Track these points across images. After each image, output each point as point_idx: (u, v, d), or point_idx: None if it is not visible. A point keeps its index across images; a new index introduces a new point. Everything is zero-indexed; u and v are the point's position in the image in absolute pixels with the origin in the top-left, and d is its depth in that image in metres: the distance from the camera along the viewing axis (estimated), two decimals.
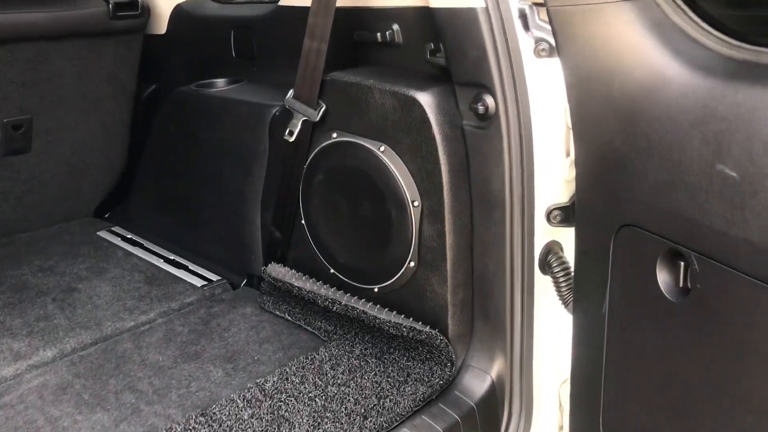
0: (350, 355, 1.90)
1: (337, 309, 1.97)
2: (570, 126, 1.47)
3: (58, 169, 2.67)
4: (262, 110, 2.15)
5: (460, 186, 1.77)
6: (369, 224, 1.92)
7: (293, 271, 2.15)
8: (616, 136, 1.37)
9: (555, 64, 1.70)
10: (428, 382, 1.80)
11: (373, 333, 1.95)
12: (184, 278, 2.34)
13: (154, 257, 2.47)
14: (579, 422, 1.61)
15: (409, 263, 1.86)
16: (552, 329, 1.86)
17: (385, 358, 1.88)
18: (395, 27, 1.92)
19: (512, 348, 1.81)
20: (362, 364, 1.87)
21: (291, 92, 2.00)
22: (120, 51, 2.62)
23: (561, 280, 1.79)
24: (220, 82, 2.48)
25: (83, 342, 1.98)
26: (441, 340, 1.82)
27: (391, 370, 1.84)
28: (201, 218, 2.42)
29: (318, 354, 1.90)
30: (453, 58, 1.71)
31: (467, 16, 1.65)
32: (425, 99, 1.74)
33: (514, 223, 1.71)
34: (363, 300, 1.98)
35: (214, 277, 2.36)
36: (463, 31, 1.66)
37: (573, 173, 1.76)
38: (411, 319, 1.88)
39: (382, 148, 1.84)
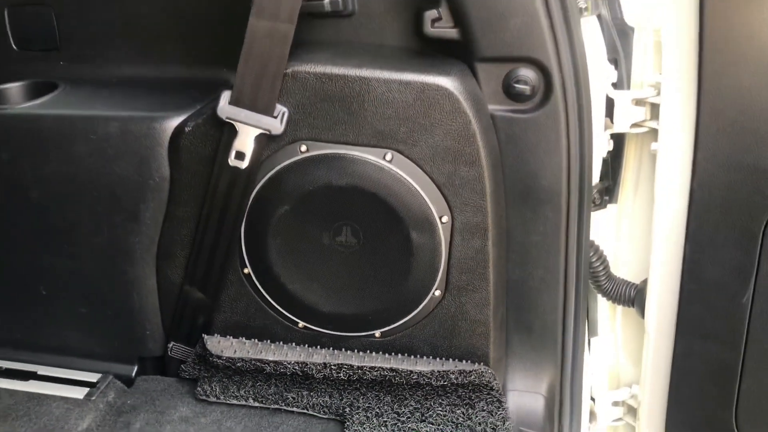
0: (387, 427, 1.46)
1: (342, 375, 1.49)
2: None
3: None
4: (151, 125, 1.45)
5: (499, 187, 1.42)
6: (373, 256, 1.45)
7: (241, 339, 1.57)
8: None
9: (587, 24, 1.44)
10: (496, 430, 1.47)
11: (388, 389, 1.53)
12: (49, 392, 1.55)
13: None
14: (692, 419, 1.47)
15: (433, 293, 1.47)
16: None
17: (431, 420, 1.48)
18: None
19: (564, 360, 1.57)
20: None
21: (225, 97, 1.38)
22: None
23: (600, 269, 1.59)
24: (14, 91, 1.63)
25: None
26: (490, 374, 1.49)
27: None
28: (40, 296, 1.61)
29: None
30: (484, 28, 1.33)
31: None
32: (455, 86, 1.33)
33: (570, 218, 1.44)
34: (364, 351, 1.54)
35: (90, 377, 1.61)
36: None
37: (609, 148, 1.55)
38: (451, 360, 1.51)
39: (388, 157, 1.38)
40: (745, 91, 1.21)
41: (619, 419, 1.75)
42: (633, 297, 1.57)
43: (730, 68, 1.21)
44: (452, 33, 1.37)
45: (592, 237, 1.64)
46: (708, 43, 1.20)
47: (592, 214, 1.59)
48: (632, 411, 1.71)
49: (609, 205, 1.61)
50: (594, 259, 1.57)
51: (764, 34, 1.17)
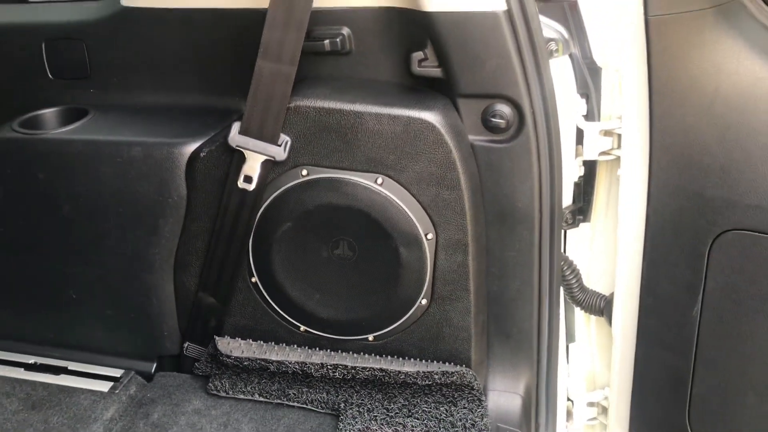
0: (377, 422, 1.63)
1: (338, 375, 1.67)
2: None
3: None
4: (170, 150, 1.64)
5: (478, 208, 1.59)
6: (366, 268, 1.63)
7: (248, 341, 1.75)
8: (713, 143, 1.35)
9: (559, 63, 1.60)
10: (475, 425, 1.63)
11: (379, 387, 1.70)
12: (78, 385, 1.75)
13: (7, 368, 1.79)
14: (652, 419, 1.62)
15: (420, 301, 1.64)
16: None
17: (417, 416, 1.65)
18: (346, 32, 1.60)
19: (539, 363, 1.73)
20: (400, 430, 1.62)
21: (235, 127, 1.56)
22: None
23: (573, 282, 1.75)
24: (50, 116, 1.83)
25: None
26: (471, 375, 1.66)
27: (434, 427, 1.63)
28: (70, 300, 1.81)
29: None
30: (464, 68, 1.49)
31: (485, 20, 1.44)
32: (438, 119, 1.50)
33: (543, 236, 1.61)
34: (359, 353, 1.71)
35: (114, 372, 1.80)
36: (480, 38, 1.46)
37: (580, 173, 1.71)
38: (436, 362, 1.68)
39: (379, 181, 1.56)
40: (689, 129, 1.37)
41: (594, 419, 1.91)
42: (602, 307, 1.73)
43: (676, 110, 1.37)
44: (436, 72, 1.53)
45: (568, 253, 1.80)
46: (655, 88, 1.36)
47: (568, 232, 1.76)
48: (606, 411, 1.87)
49: (582, 224, 1.77)
50: (568, 273, 1.73)
51: (702, 81, 1.32)
